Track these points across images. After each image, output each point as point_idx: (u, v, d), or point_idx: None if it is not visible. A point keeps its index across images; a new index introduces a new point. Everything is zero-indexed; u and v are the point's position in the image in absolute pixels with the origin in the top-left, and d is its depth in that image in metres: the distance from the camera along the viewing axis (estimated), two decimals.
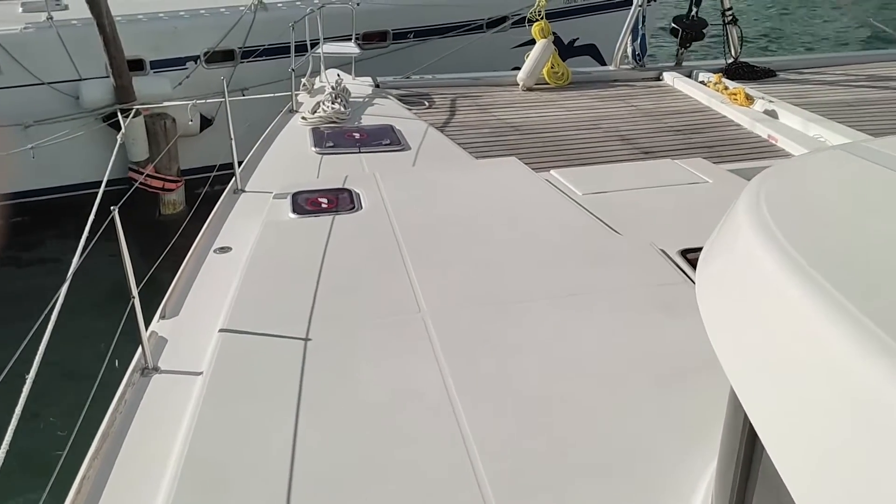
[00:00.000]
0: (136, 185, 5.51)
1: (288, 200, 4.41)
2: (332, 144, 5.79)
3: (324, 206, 4.33)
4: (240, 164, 5.24)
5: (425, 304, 3.31)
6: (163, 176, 9.53)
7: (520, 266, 3.65)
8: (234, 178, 5.10)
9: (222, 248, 4.27)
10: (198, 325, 3.51)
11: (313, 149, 5.74)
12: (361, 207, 4.31)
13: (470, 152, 5.98)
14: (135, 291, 3.10)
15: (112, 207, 2.96)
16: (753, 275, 1.49)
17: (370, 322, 3.22)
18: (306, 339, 3.09)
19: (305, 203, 4.37)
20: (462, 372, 2.89)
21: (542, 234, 3.98)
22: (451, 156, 5.75)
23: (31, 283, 8.02)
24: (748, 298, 1.50)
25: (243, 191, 5.06)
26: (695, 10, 7.90)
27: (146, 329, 3.25)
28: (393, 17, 10.53)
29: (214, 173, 6.00)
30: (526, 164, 5.58)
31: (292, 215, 4.25)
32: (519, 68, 11.97)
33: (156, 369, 3.22)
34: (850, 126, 6.26)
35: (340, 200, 4.38)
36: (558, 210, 4.30)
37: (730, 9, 8.03)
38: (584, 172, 5.15)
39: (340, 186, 4.58)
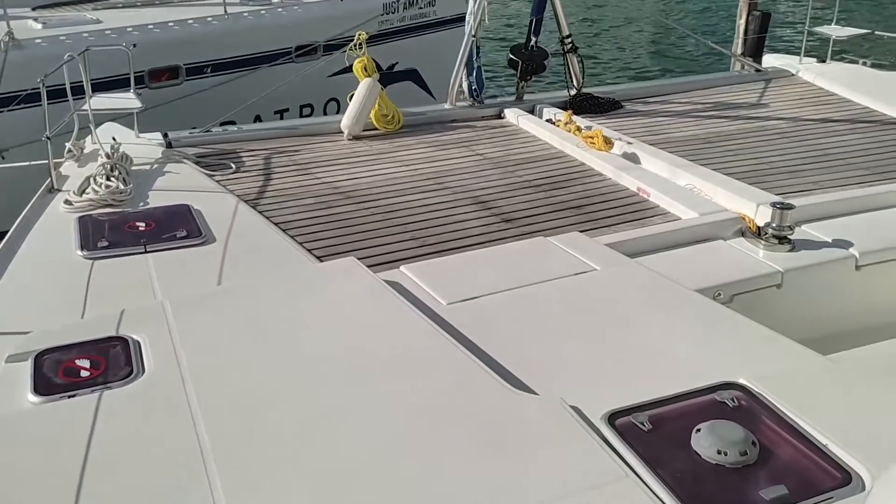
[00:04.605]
0: None
1: (28, 367, 2.98)
2: (106, 243, 4.33)
3: (84, 374, 2.93)
4: None
5: None
6: None
7: (388, 470, 2.46)
8: None
9: None
10: None
11: (79, 252, 4.26)
12: (143, 371, 2.95)
13: (292, 235, 4.74)
14: None
15: None
16: None
17: None
18: None
19: (56, 372, 2.94)
20: None
21: (410, 398, 2.81)
22: (268, 247, 4.46)
23: None
24: None
25: None
26: (534, 39, 7.03)
27: None
28: (184, 49, 8.98)
29: None
30: (365, 252, 4.45)
31: (33, 398, 2.81)
32: (336, 100, 10.72)
33: None
34: (713, 167, 5.67)
35: (111, 361, 3.00)
36: (426, 345, 3.13)
37: (569, 36, 7.25)
38: (443, 266, 4.05)
39: (112, 334, 3.18)
